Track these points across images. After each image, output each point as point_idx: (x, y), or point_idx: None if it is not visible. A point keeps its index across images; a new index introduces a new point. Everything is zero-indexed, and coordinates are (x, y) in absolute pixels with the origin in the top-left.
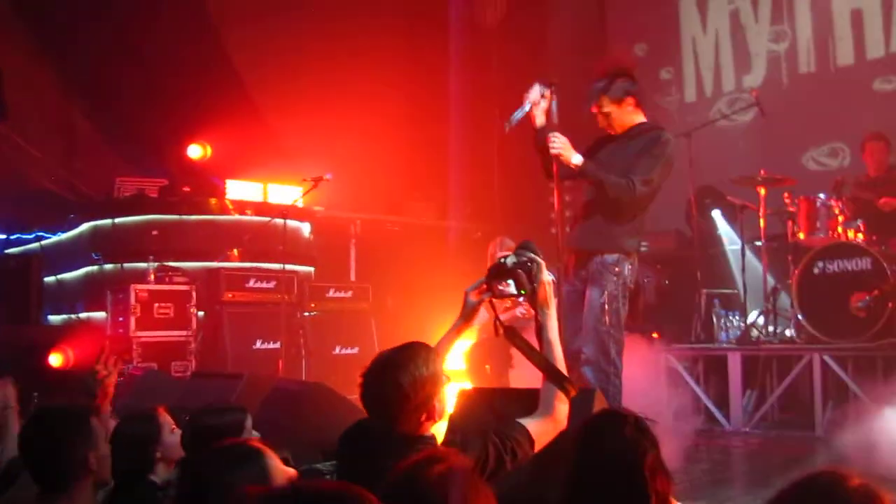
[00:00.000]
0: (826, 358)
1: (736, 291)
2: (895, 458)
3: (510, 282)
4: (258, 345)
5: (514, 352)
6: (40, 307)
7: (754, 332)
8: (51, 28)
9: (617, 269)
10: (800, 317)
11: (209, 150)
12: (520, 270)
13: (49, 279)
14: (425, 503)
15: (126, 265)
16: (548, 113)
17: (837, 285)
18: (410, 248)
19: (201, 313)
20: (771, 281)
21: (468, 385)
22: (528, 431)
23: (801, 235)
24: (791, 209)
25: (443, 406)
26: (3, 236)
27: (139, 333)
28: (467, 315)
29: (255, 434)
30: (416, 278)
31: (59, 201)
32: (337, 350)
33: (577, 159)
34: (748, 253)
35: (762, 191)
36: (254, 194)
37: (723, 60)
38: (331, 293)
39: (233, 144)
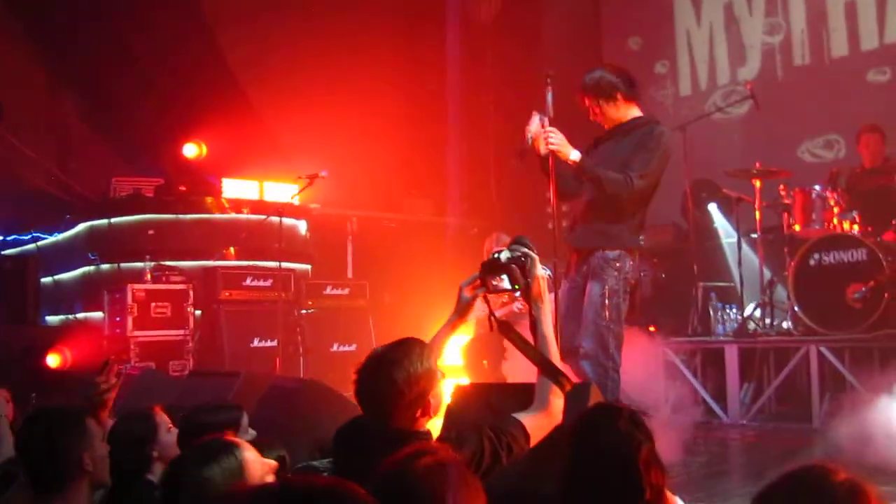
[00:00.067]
0: (823, 349)
1: (732, 284)
2: (892, 449)
3: (504, 277)
4: (255, 343)
5: (508, 344)
6: (37, 308)
7: (751, 325)
8: (45, 28)
9: (618, 264)
10: (796, 309)
11: (205, 149)
12: (513, 265)
13: (46, 280)
14: (414, 496)
15: (123, 265)
16: (544, 106)
17: (833, 277)
18: (407, 244)
19: (198, 312)
20: (767, 273)
21: (465, 380)
22: (523, 426)
23: (797, 227)
24: (787, 201)
25: (438, 402)
26: (0, 238)
27: (136, 333)
28: (462, 310)
29: (252, 432)
30: (412, 275)
31: (55, 202)
32: (335, 347)
33: (574, 155)
34: (744, 245)
35: (758, 183)
36: (250, 192)
37: (717, 53)
38: (328, 290)
39: (228, 143)
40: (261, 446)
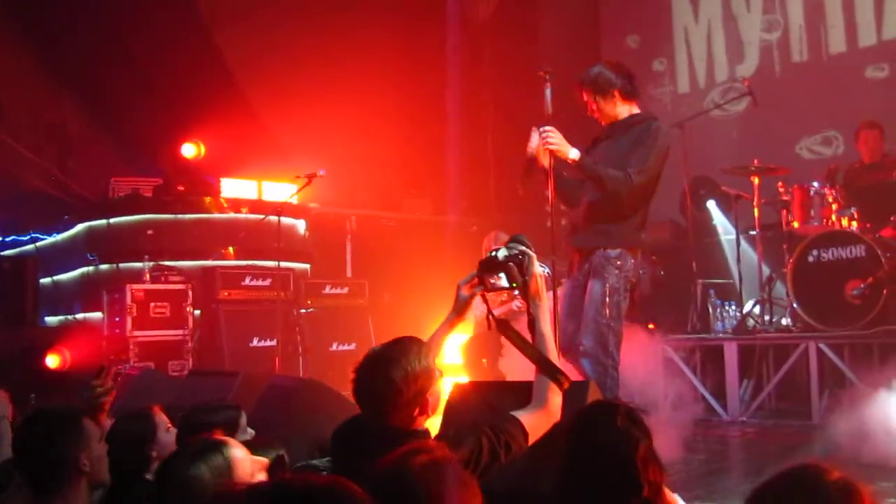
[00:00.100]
0: (822, 346)
1: (731, 281)
2: (891, 446)
3: (502, 275)
4: (255, 342)
5: (505, 341)
6: (37, 309)
7: (750, 322)
8: (43, 28)
9: (619, 262)
10: (795, 305)
11: (203, 149)
12: (511, 263)
13: (45, 280)
14: (409, 495)
15: (122, 265)
16: (542, 103)
17: (832, 273)
18: (406, 243)
19: (197, 312)
20: (766, 270)
21: (465, 379)
22: (521, 424)
23: (796, 224)
24: (785, 198)
25: (436, 400)
26: None
27: (136, 333)
28: (460, 309)
29: (250, 431)
30: (412, 274)
31: (54, 202)
32: (334, 346)
33: (574, 154)
34: (743, 242)
35: (756, 180)
36: (249, 192)
37: (715, 50)
38: (327, 290)
39: (227, 142)
40: (259, 446)
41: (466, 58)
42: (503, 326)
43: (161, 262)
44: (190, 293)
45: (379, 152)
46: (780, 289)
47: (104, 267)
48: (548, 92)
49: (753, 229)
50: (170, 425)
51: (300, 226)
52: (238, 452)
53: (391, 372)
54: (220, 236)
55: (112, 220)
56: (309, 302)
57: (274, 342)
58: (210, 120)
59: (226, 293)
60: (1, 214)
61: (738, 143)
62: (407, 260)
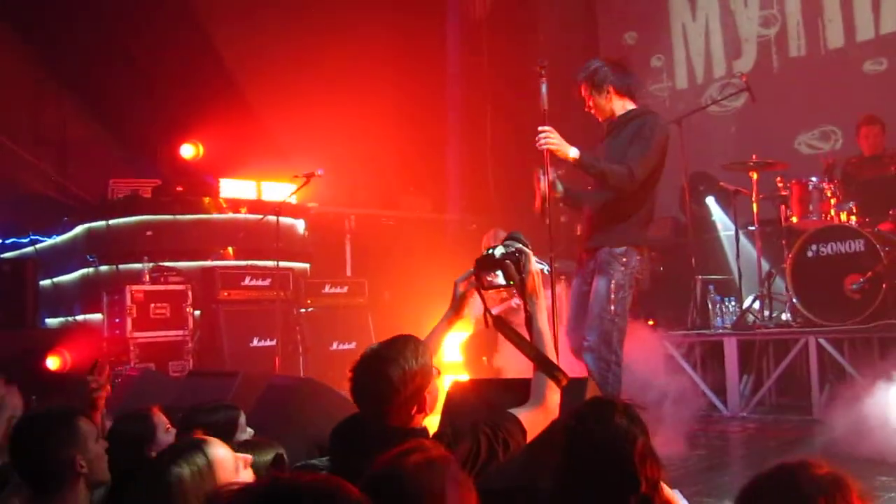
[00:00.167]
0: (822, 341)
1: (731, 277)
2: (890, 440)
3: (499, 273)
4: (255, 342)
5: (500, 337)
6: (36, 310)
7: (750, 317)
8: (40, 30)
9: (624, 259)
10: (795, 300)
11: (201, 149)
12: (508, 261)
13: (45, 282)
14: (404, 494)
15: (121, 266)
16: (538, 97)
17: (831, 268)
18: (405, 241)
19: (197, 312)
20: (765, 265)
21: (465, 377)
22: (519, 421)
23: (795, 219)
24: (783, 193)
25: (434, 398)
26: None
27: (136, 334)
28: (457, 306)
29: (250, 431)
30: (411, 272)
31: (53, 204)
32: (334, 346)
33: (573, 153)
34: (742, 238)
35: (754, 175)
36: (247, 192)
37: (713, 46)
38: (327, 289)
39: (226, 143)
40: (258, 445)
41: (464, 56)
42: (500, 324)
43: (160, 263)
44: (189, 294)
45: (378, 151)
46: (779, 284)
47: (104, 268)
48: (543, 87)
49: (752, 225)
50: (169, 426)
51: (299, 225)
52: (220, 451)
53: (388, 371)
54: (220, 237)
55: (111, 222)
56: (309, 301)
57: (274, 342)
58: (208, 120)
59: (225, 293)
60: (0, 217)
61: (737, 138)
62: (406, 258)
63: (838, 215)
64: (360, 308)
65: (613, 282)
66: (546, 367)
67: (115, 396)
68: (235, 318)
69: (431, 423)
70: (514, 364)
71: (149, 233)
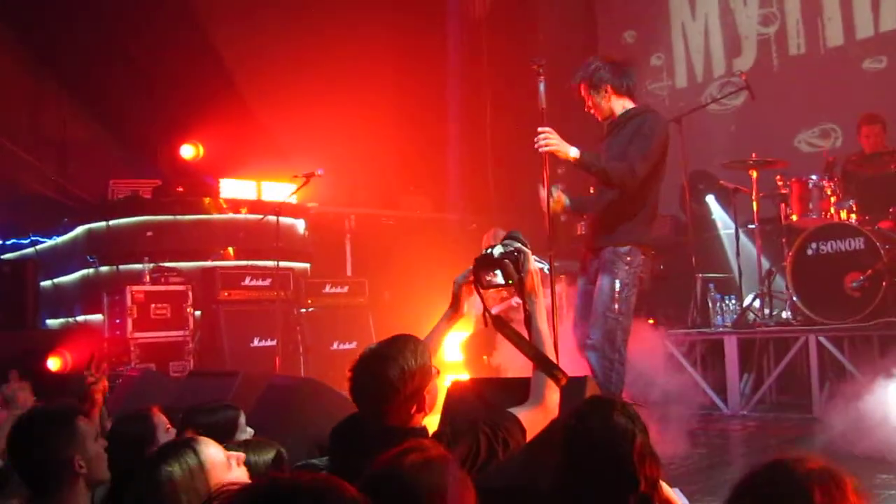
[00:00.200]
0: (822, 339)
1: (731, 275)
2: (891, 438)
3: (497, 272)
4: (255, 342)
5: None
6: (37, 311)
7: (750, 316)
8: (39, 32)
9: (629, 258)
10: (795, 298)
11: (201, 150)
12: (506, 260)
13: (45, 283)
14: (403, 493)
15: (121, 267)
16: (531, 96)
17: (831, 266)
18: (405, 241)
19: (198, 313)
20: (765, 263)
21: (465, 376)
22: (519, 421)
23: (795, 217)
24: (783, 191)
25: (433, 398)
26: None
27: (136, 335)
28: (457, 305)
29: (250, 430)
30: (411, 271)
31: (53, 205)
32: (335, 346)
33: (574, 152)
34: (742, 236)
35: (754, 174)
36: (248, 192)
37: (712, 45)
38: (327, 289)
39: (226, 143)
40: (258, 444)
41: (464, 55)
42: (499, 323)
43: (161, 264)
44: (190, 294)
45: (378, 151)
46: (779, 282)
47: (104, 269)
48: (541, 86)
49: (752, 223)
50: (169, 426)
51: (299, 225)
52: (210, 449)
53: (387, 370)
54: (220, 237)
55: (111, 222)
56: (309, 301)
57: (274, 342)
58: (208, 120)
59: (226, 294)
60: (0, 218)
61: (736, 136)
62: (407, 258)
63: (838, 213)
64: (361, 308)
65: (618, 281)
66: (545, 366)
67: (115, 397)
68: (236, 318)
69: (431, 422)
70: (512, 362)
71: (149, 233)
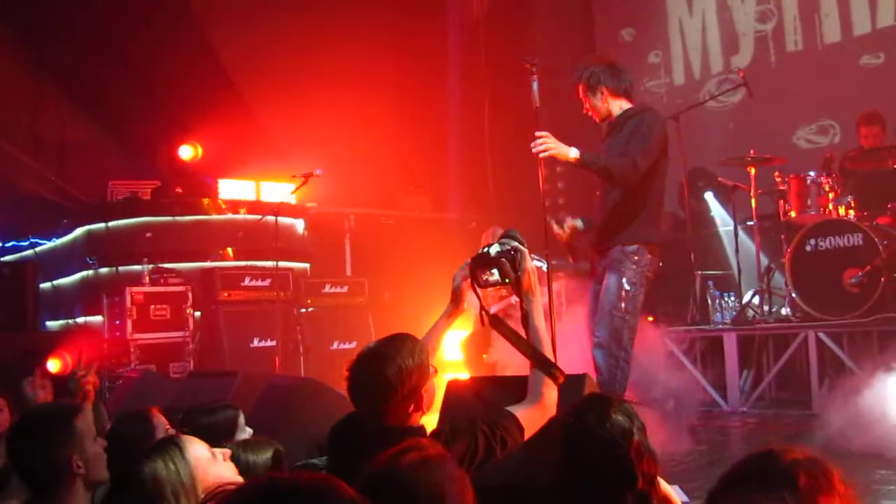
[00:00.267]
0: (821, 335)
1: (730, 272)
2: (891, 434)
3: (494, 271)
4: (255, 343)
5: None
6: (37, 313)
7: (749, 312)
8: (37, 33)
9: (636, 257)
10: (794, 295)
11: (200, 151)
12: (503, 259)
13: (45, 285)
14: (401, 493)
15: (121, 268)
16: (530, 96)
17: (830, 262)
18: (405, 240)
19: (198, 314)
20: (764, 260)
21: (465, 375)
22: (517, 419)
23: (793, 214)
24: (782, 188)
25: (431, 396)
26: None
27: (136, 336)
28: (457, 300)
29: (249, 430)
30: (411, 271)
31: (52, 207)
32: (335, 345)
33: (573, 153)
34: (741, 233)
35: (752, 171)
36: (247, 193)
37: (710, 42)
38: (327, 289)
39: (224, 143)
40: (257, 443)
41: (462, 54)
42: (496, 322)
43: (160, 265)
44: (190, 295)
45: (377, 150)
46: (778, 279)
47: (103, 270)
48: (535, 84)
49: (751, 220)
50: (168, 427)
51: (299, 225)
52: (194, 446)
53: (385, 369)
54: (219, 237)
55: (111, 224)
56: (309, 301)
57: (274, 342)
58: (207, 121)
59: (225, 294)
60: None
61: (735, 133)
62: (406, 257)
63: (836, 209)
64: (361, 307)
65: (625, 279)
66: (543, 364)
67: (115, 398)
68: (235, 318)
69: (430, 421)
70: (511, 360)
71: (148, 234)
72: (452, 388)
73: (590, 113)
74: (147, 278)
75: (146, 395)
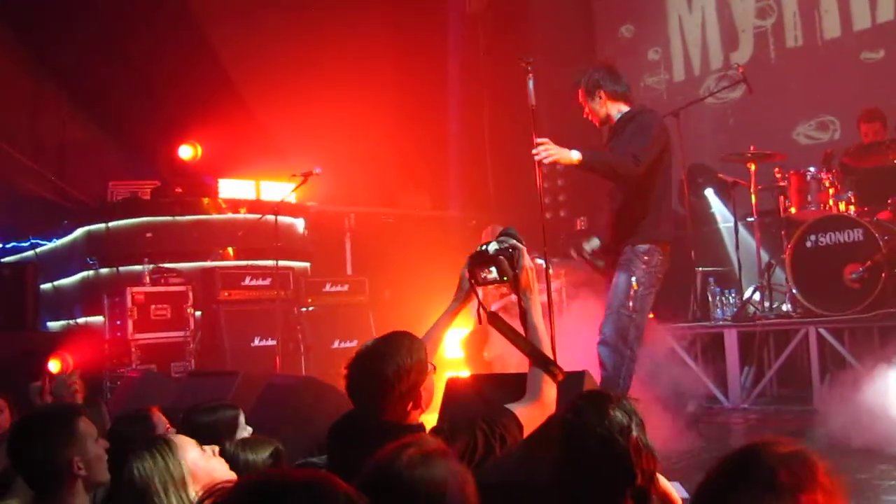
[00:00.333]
0: (822, 331)
1: (731, 268)
2: (892, 429)
3: (492, 269)
4: (256, 342)
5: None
6: (38, 314)
7: (750, 309)
8: (36, 33)
9: (646, 257)
10: (794, 291)
11: (200, 150)
12: (501, 257)
13: (45, 286)
14: (400, 489)
15: (121, 268)
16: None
17: (831, 258)
18: (405, 239)
19: (198, 313)
20: (765, 256)
21: (466, 373)
22: (516, 417)
23: (793, 210)
24: (782, 184)
25: (429, 394)
26: None
27: (137, 336)
28: (465, 296)
29: (249, 429)
30: (412, 269)
31: (53, 207)
32: (336, 344)
33: (575, 155)
34: (741, 229)
35: (752, 167)
36: (246, 192)
37: (709, 38)
38: (327, 287)
39: (224, 143)
40: (256, 442)
41: (460, 51)
42: (494, 320)
43: (161, 265)
44: (190, 294)
45: (377, 149)
46: (779, 275)
47: (104, 271)
48: (530, 83)
49: (751, 216)
50: (169, 426)
51: (299, 224)
52: (185, 444)
53: (383, 367)
54: (219, 237)
55: (111, 224)
56: (309, 300)
57: (275, 341)
58: (207, 120)
59: (226, 293)
60: (0, 221)
61: (734, 130)
62: (407, 256)
63: (837, 205)
64: (361, 306)
65: (634, 279)
66: (541, 362)
67: (116, 398)
68: (236, 318)
69: (429, 419)
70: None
71: (148, 234)
72: (452, 385)
73: (589, 117)
74: (147, 278)
75: (147, 394)
